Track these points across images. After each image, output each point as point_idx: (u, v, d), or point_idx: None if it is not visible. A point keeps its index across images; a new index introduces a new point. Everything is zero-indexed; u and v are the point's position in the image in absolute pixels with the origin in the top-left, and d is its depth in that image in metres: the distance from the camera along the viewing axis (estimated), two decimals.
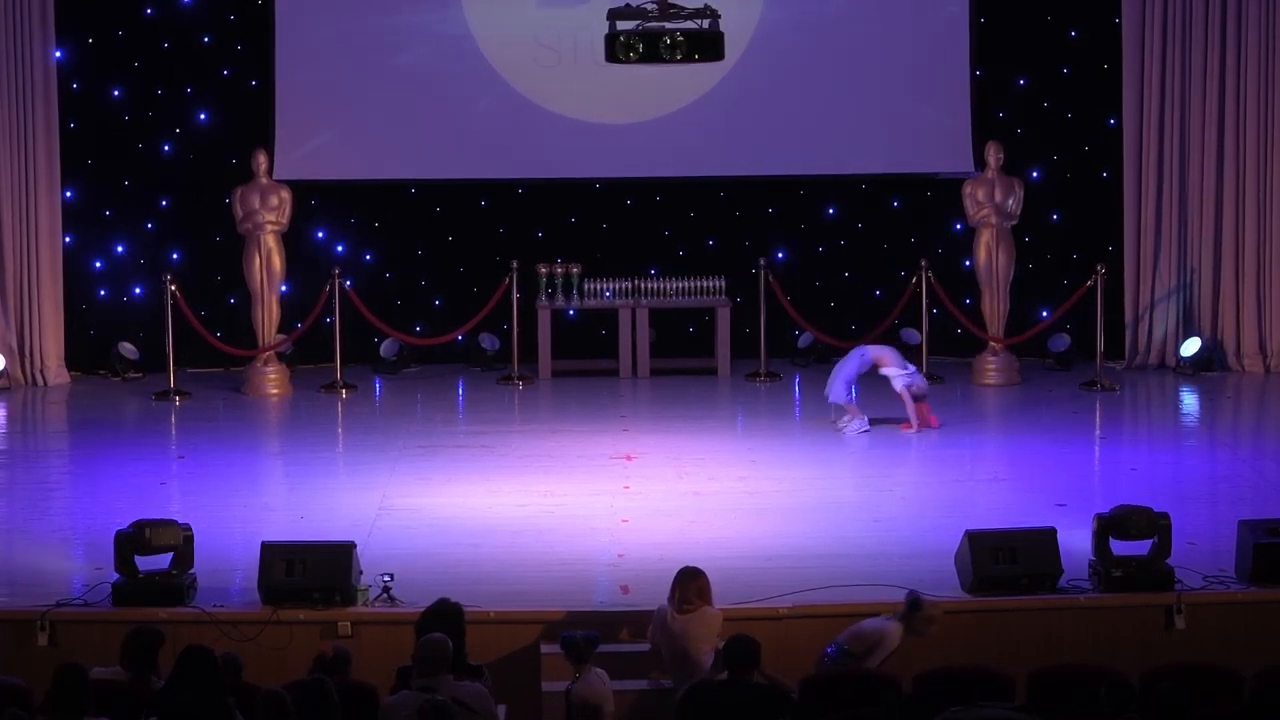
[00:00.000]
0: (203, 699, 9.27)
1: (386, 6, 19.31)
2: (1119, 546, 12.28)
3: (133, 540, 12.08)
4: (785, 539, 13.50)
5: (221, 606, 12.02)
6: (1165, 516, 12.28)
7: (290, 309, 19.14)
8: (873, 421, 16.79)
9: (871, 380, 16.95)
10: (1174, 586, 12.15)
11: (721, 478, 15.24)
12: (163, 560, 12.23)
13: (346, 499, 14.69)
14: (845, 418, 16.79)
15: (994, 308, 19.04)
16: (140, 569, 12.10)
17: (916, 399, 16.81)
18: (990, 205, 18.84)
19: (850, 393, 16.73)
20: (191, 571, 12.25)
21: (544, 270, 19.39)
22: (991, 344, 19.07)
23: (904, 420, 16.78)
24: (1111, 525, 12.23)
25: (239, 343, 19.11)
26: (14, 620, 11.90)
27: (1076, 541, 12.49)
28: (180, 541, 12.22)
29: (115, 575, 12.15)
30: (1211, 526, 13.51)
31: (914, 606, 11.29)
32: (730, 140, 19.52)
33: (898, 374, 16.75)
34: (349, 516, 14.00)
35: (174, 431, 17.45)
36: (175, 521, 12.35)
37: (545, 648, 11.72)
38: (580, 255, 19.62)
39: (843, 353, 19.43)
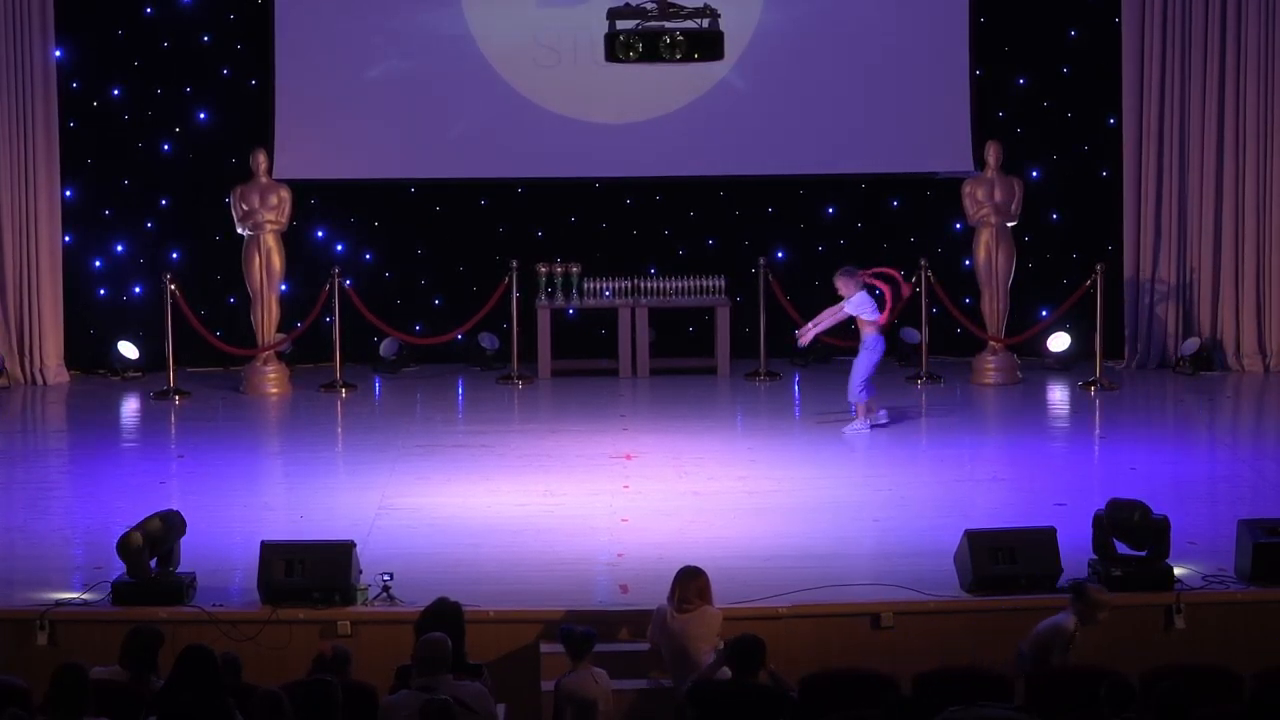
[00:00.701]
0: (202, 699, 9.27)
1: (386, 6, 19.31)
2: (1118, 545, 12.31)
3: (149, 539, 12.08)
4: (785, 538, 13.50)
5: (221, 606, 12.02)
6: (1164, 519, 12.27)
7: (290, 308, 19.14)
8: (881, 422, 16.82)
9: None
10: (1174, 586, 12.15)
11: (721, 477, 15.24)
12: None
13: (346, 498, 14.69)
14: (857, 422, 16.73)
15: (994, 307, 19.04)
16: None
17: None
18: (990, 205, 18.84)
19: (864, 392, 16.67)
20: (191, 571, 12.26)
21: (544, 270, 19.39)
22: (991, 344, 19.07)
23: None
24: (1111, 528, 12.23)
25: (238, 342, 19.11)
26: (14, 620, 11.90)
27: (1076, 541, 12.49)
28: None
29: (116, 574, 12.16)
30: (1211, 526, 13.51)
31: (1079, 593, 11.14)
32: (730, 140, 19.52)
33: (859, 307, 16.65)
34: (348, 516, 14.00)
35: (173, 431, 17.46)
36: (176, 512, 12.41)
37: (545, 647, 11.72)
38: (580, 255, 19.62)
39: (844, 351, 19.55)
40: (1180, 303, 19.45)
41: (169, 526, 12.21)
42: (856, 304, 16.59)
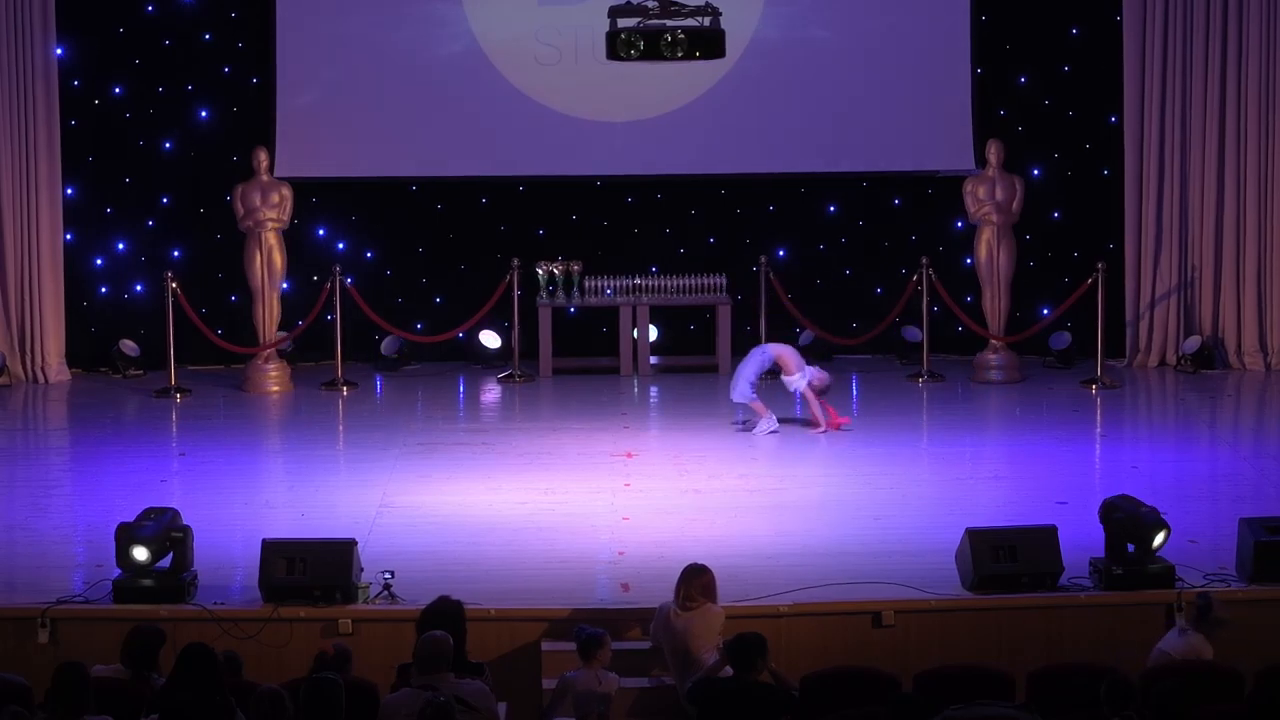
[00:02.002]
0: (202, 697, 9.27)
1: (387, 4, 19.30)
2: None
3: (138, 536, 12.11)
4: (786, 537, 13.50)
5: (222, 604, 12.03)
6: (1162, 522, 12.27)
7: (291, 307, 19.14)
8: (782, 420, 16.74)
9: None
10: (1174, 584, 12.15)
11: (722, 475, 15.24)
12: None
13: (347, 496, 14.69)
14: (754, 418, 16.73)
15: (995, 305, 19.04)
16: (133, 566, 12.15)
17: (820, 393, 16.70)
18: (991, 203, 18.84)
19: (754, 391, 16.65)
20: (192, 569, 12.26)
21: (544, 268, 19.40)
22: (992, 342, 19.07)
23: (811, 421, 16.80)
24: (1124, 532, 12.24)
25: (240, 340, 19.11)
26: (15, 618, 11.91)
27: (1077, 539, 12.49)
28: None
29: (116, 572, 12.18)
30: (1212, 524, 13.51)
31: (1204, 611, 10.92)
32: (731, 138, 19.52)
33: (793, 379, 16.63)
34: (350, 514, 14.01)
35: (175, 429, 17.46)
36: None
37: (546, 645, 11.74)
38: (581, 253, 19.62)
39: (844, 350, 19.53)
40: (1181, 301, 19.44)
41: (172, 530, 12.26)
42: (794, 378, 16.67)
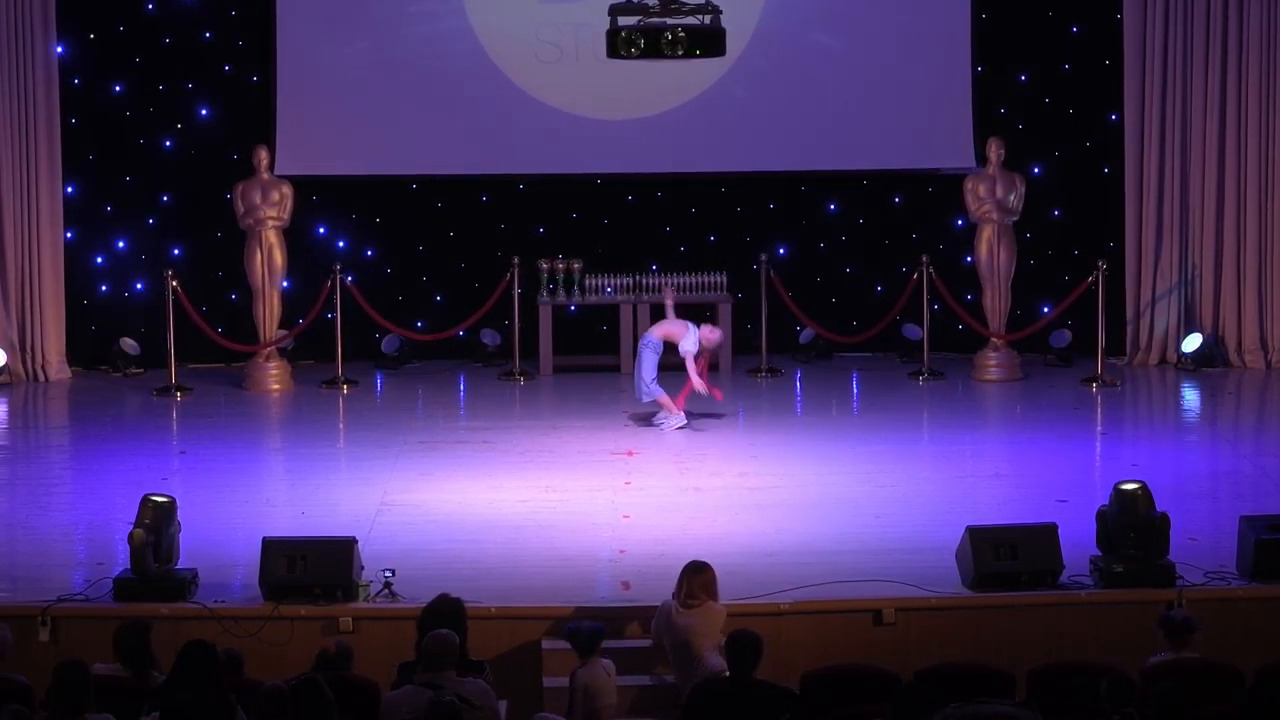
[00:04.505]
0: (203, 695, 9.27)
1: (388, 2, 19.30)
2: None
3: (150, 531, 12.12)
4: (786, 535, 13.50)
5: (223, 602, 12.03)
6: (1165, 518, 12.28)
7: (292, 305, 19.14)
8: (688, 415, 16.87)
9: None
10: (1175, 583, 12.15)
11: (723, 473, 15.25)
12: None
13: (348, 494, 14.70)
14: (662, 414, 16.75)
15: (995, 304, 19.03)
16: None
17: (710, 352, 16.79)
18: (991, 201, 18.84)
19: (658, 386, 16.65)
20: (193, 567, 12.27)
21: (545, 266, 19.40)
22: (993, 340, 19.07)
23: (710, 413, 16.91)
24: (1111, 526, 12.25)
25: (240, 339, 19.11)
26: (15, 616, 11.88)
27: (1078, 537, 12.49)
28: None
29: (117, 571, 12.19)
30: (1213, 522, 13.52)
31: (1175, 629, 10.73)
32: (731, 136, 19.51)
33: (685, 342, 16.65)
34: (350, 512, 14.01)
35: (175, 427, 17.46)
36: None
37: (547, 644, 11.74)
38: (581, 251, 19.62)
39: (843, 347, 19.53)
40: (1181, 298, 19.44)
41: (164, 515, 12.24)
42: (693, 341, 16.71)
